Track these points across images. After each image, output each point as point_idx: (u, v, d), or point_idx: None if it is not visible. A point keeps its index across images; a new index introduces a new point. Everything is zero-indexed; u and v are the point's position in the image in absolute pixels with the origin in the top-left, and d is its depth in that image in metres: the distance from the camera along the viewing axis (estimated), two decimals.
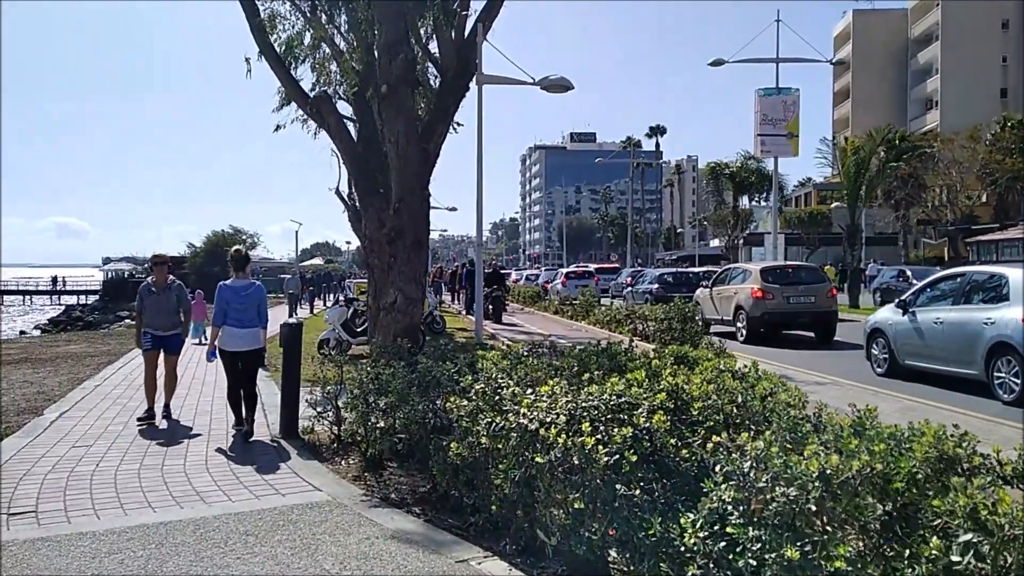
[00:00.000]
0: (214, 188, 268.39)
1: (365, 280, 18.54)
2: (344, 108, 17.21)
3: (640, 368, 5.53)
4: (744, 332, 17.46)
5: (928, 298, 11.74)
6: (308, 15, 15.99)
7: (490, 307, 26.17)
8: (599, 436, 3.85)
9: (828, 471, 3.04)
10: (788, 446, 3.51)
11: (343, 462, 6.81)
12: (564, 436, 3.93)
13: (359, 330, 15.70)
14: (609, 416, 4.10)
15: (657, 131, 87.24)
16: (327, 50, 17.23)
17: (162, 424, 8.67)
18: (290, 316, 26.08)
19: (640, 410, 4.12)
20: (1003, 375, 9.86)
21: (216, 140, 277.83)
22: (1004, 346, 9.78)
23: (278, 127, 23.39)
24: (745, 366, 5.62)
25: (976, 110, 62.42)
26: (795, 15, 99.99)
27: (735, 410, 4.45)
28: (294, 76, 15.51)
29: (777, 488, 3.15)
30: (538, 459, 3.95)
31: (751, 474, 3.27)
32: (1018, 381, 9.59)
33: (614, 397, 4.18)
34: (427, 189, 13.05)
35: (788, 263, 21.33)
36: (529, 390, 4.60)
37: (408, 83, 12.94)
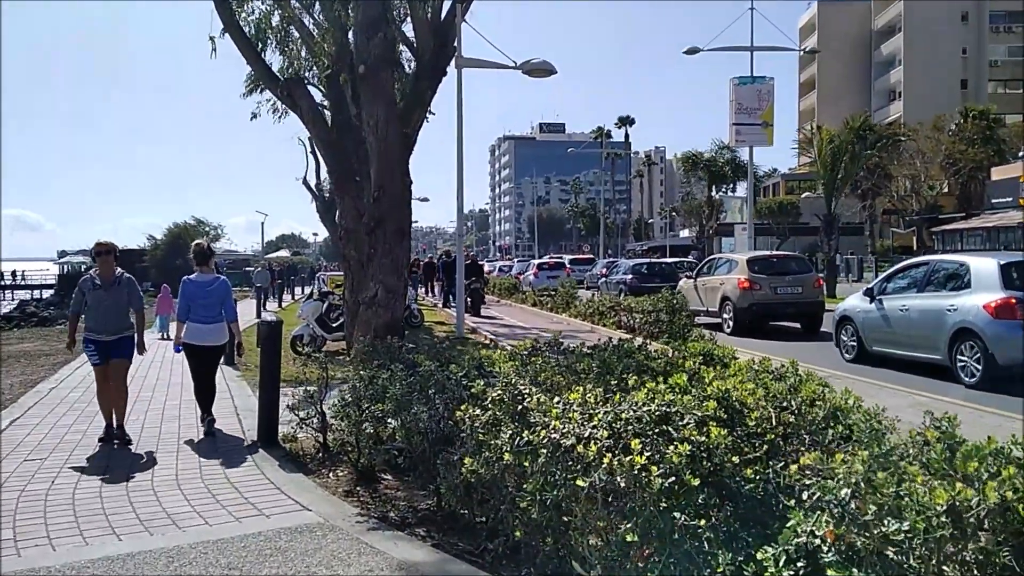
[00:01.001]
0: (175, 179, 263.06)
1: (339, 273, 17.81)
2: (315, 96, 16.54)
3: (664, 367, 4.99)
4: (731, 324, 17.05)
5: (894, 286, 12.11)
6: None
7: (468, 300, 25.57)
8: (650, 454, 3.29)
9: (958, 503, 2.49)
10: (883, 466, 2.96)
11: (331, 474, 6.17)
12: (608, 455, 3.35)
13: (334, 325, 15.02)
14: (656, 430, 3.54)
15: (626, 122, 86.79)
16: (296, 34, 16.48)
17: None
18: (258, 311, 25.23)
19: (687, 421, 3.57)
20: (965, 360, 10.29)
21: (178, 129, 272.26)
22: (966, 332, 10.23)
23: (254, 115, 22.56)
24: (782, 365, 5.10)
25: (938, 101, 63.12)
26: (761, 6, 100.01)
27: (792, 418, 3.91)
28: (262, 57, 14.72)
29: (889, 522, 2.59)
30: (579, 482, 3.37)
31: (851, 504, 2.72)
32: (979, 366, 10.02)
33: (662, 407, 3.60)
34: (408, 175, 12.40)
35: (775, 253, 21.00)
36: (556, 398, 4.02)
37: (387, 63, 12.25)
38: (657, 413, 3.60)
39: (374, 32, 12.12)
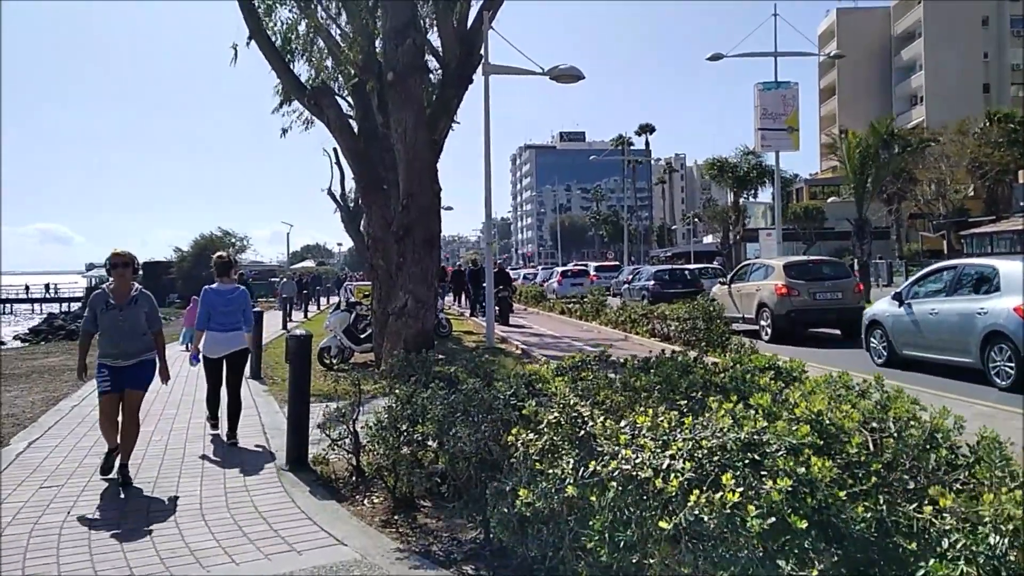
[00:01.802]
0: (203, 191, 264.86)
1: (367, 283, 17.47)
2: (341, 105, 16.24)
3: (731, 383, 4.54)
4: (769, 331, 16.50)
5: (923, 290, 12.20)
6: (302, 4, 14.95)
7: (496, 308, 25.20)
8: (743, 490, 2.85)
9: None
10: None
11: (366, 501, 5.76)
12: (695, 491, 2.91)
13: (363, 336, 14.65)
14: (745, 460, 3.09)
15: (646, 129, 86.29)
16: (323, 43, 16.21)
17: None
18: (284, 322, 24.99)
19: (776, 449, 3.13)
20: (998, 362, 10.26)
21: (204, 143, 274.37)
22: (997, 334, 10.24)
23: (284, 131, 22.29)
24: (864, 380, 4.63)
25: (960, 105, 62.11)
26: (781, 13, 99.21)
27: (892, 442, 3.45)
28: (289, 66, 14.44)
29: None
30: (662, 524, 2.92)
31: (1010, 556, 2.27)
32: (1012, 367, 10.00)
33: (752, 434, 3.15)
34: (437, 183, 12.03)
35: (812, 257, 20.37)
36: (623, 422, 3.58)
37: (416, 70, 11.90)
38: (745, 441, 3.15)
39: (403, 39, 11.79)
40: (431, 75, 17.37)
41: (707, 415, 3.63)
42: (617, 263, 48.81)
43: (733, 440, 3.13)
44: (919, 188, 52.78)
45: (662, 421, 3.46)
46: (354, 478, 6.27)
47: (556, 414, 3.83)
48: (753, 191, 58.65)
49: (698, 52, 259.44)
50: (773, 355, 5.41)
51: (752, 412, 3.50)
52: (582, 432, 3.64)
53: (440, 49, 14.82)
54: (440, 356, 14.73)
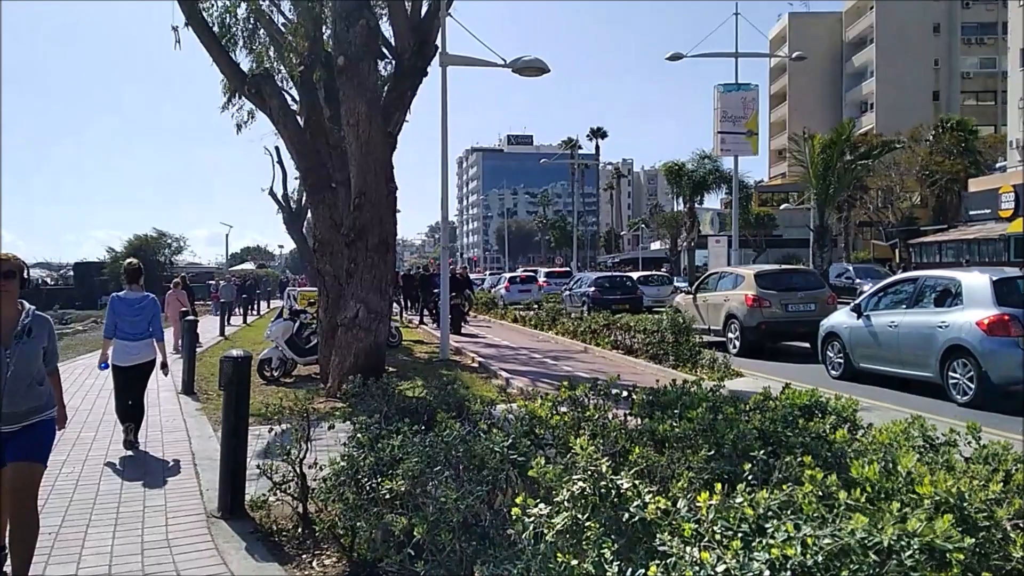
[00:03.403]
0: (139, 191, 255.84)
1: (312, 289, 16.27)
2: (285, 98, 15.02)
3: (788, 429, 3.62)
4: (737, 343, 15.79)
5: (882, 302, 11.99)
6: None
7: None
8: None
9: None
10: None
11: (315, 564, 4.69)
12: None
13: (307, 347, 13.47)
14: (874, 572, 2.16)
15: (598, 133, 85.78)
16: (264, 32, 14.98)
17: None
18: (222, 328, 23.53)
19: (914, 555, 2.20)
20: (958, 377, 10.12)
21: (141, 140, 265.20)
22: (958, 349, 10.09)
23: (239, 127, 20.84)
24: (933, 427, 3.77)
25: (910, 113, 63.04)
26: (729, 16, 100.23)
27: None
28: (227, 52, 13.20)
29: None
30: None
31: None
32: (972, 384, 9.87)
33: (873, 533, 2.22)
34: (393, 180, 10.98)
35: (784, 267, 19.78)
36: (680, 502, 2.62)
37: (370, 54, 10.82)
38: (871, 542, 2.21)
39: (354, 20, 10.72)
40: (382, 67, 16.33)
41: (787, 488, 2.70)
42: (567, 269, 48.07)
43: (859, 543, 2.19)
44: (868, 196, 53.33)
45: (741, 503, 2.51)
46: (300, 529, 5.20)
47: (581, 483, 2.84)
48: (700, 197, 58.68)
49: (646, 58, 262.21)
50: (813, 389, 4.52)
51: (849, 487, 2.58)
52: (624, 515, 2.66)
53: (393, 39, 13.77)
54: (391, 369, 13.73)
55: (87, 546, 5.11)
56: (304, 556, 4.83)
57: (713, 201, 65.19)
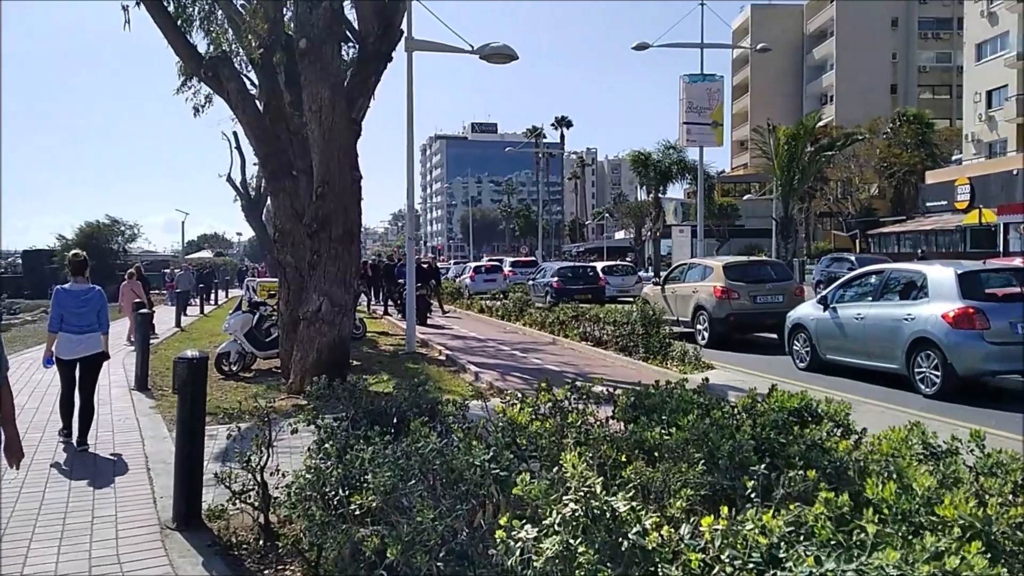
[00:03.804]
0: (91, 176, 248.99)
1: (272, 280, 15.82)
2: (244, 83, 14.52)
3: (778, 436, 3.40)
4: (706, 335, 15.70)
5: (848, 294, 12.05)
6: None
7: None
8: None
9: None
10: None
11: None
12: None
13: (267, 340, 13.06)
14: None
15: (563, 123, 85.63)
16: (223, 14, 14.46)
17: None
18: (178, 318, 22.89)
19: None
20: (924, 369, 10.18)
21: (92, 121, 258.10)
22: (924, 341, 10.16)
23: (197, 110, 20.16)
24: (935, 434, 3.59)
25: (868, 105, 64.02)
26: (692, 8, 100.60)
27: None
28: (182, 31, 12.68)
29: None
30: None
31: None
32: (938, 375, 9.94)
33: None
34: (358, 168, 10.61)
35: (753, 258, 19.77)
36: (684, 528, 2.38)
37: (333, 36, 10.43)
38: None
39: (318, 1, 10.31)
40: (345, 52, 15.88)
41: (795, 509, 2.48)
42: (533, 259, 47.86)
43: None
44: (828, 187, 53.94)
45: (751, 529, 2.28)
46: (261, 541, 4.89)
47: (573, 504, 2.59)
48: (664, 187, 58.91)
49: (612, 48, 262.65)
50: (803, 392, 4.31)
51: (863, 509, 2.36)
52: (621, 541, 2.41)
53: (356, 22, 13.35)
54: (355, 363, 13.39)
55: (30, 563, 4.75)
56: (266, 572, 4.53)
57: (677, 191, 65.55)
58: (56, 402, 8.44)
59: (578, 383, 4.77)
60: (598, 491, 2.53)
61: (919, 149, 53.39)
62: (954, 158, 51.80)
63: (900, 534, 2.34)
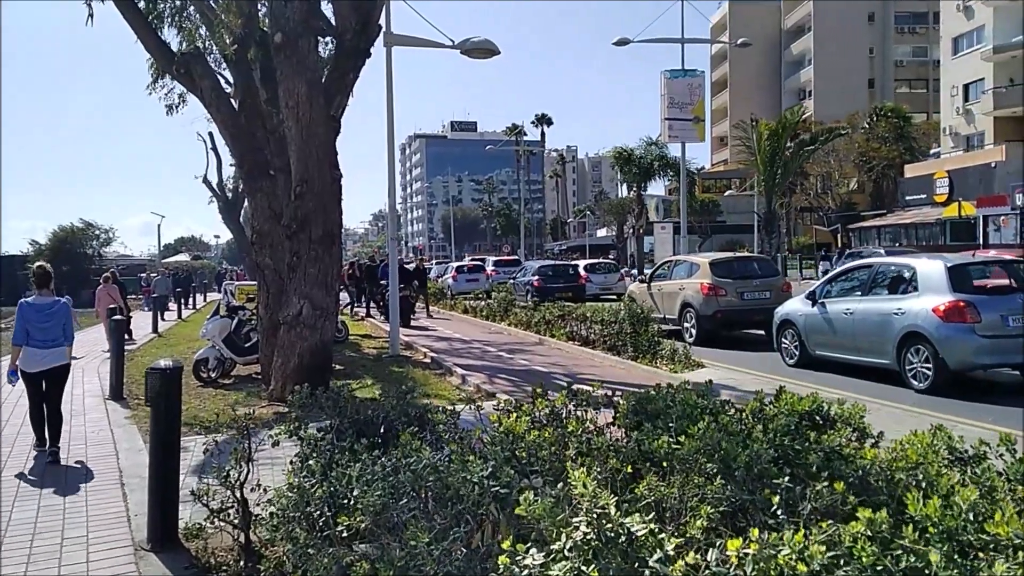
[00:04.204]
0: (64, 178, 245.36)
1: (251, 283, 15.44)
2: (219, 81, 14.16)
3: (814, 452, 3.17)
4: (694, 332, 15.53)
5: (837, 289, 11.93)
6: None
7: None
8: None
9: None
10: None
11: None
12: None
13: (247, 346, 12.72)
14: None
15: (543, 120, 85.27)
16: (195, 10, 14.10)
17: None
18: (155, 324, 22.44)
19: None
20: (915, 364, 10.04)
21: (64, 123, 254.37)
22: (915, 335, 10.03)
23: (170, 108, 19.78)
24: (961, 438, 3.38)
25: (846, 100, 64.40)
26: (672, 5, 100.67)
27: None
28: (152, 27, 12.31)
29: None
30: None
31: None
32: (930, 370, 9.79)
33: None
34: (337, 167, 10.31)
35: (739, 255, 19.64)
36: (713, 555, 2.14)
37: (309, 30, 10.11)
38: None
39: None
40: (322, 49, 15.56)
41: (828, 527, 2.25)
42: (516, 257, 47.57)
43: None
44: (808, 182, 54.10)
45: (788, 555, 2.04)
46: (243, 563, 4.61)
47: (585, 528, 2.34)
48: (645, 184, 58.90)
49: (590, 45, 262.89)
50: (814, 395, 4.08)
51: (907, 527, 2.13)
52: (640, 568, 2.17)
53: (333, 18, 13.04)
54: (338, 367, 13.08)
55: None
56: None
57: (657, 188, 65.51)
58: (25, 416, 8.16)
59: (576, 387, 4.53)
60: (612, 513, 2.28)
61: (897, 143, 53.69)
62: (932, 152, 52.08)
63: (946, 555, 2.11)
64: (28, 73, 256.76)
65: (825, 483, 2.65)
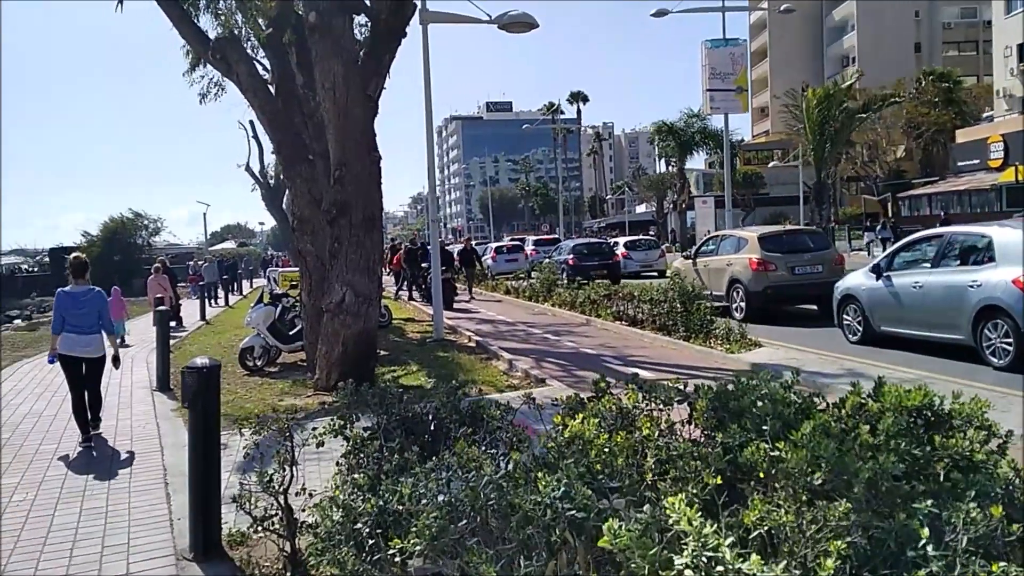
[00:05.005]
0: (115, 173, 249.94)
1: (294, 269, 15.26)
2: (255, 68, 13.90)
3: (961, 457, 2.73)
4: (743, 309, 14.98)
5: (904, 261, 11.32)
6: None
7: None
8: None
9: None
10: None
11: None
12: None
13: (291, 333, 12.55)
14: None
15: (578, 98, 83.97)
16: None
17: None
18: (203, 311, 22.52)
19: None
20: (993, 340, 9.42)
21: (114, 120, 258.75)
22: (993, 309, 9.41)
23: (203, 97, 19.68)
24: None
25: (892, 65, 62.17)
26: None
27: None
28: (187, 12, 12.07)
29: None
30: None
31: None
32: (1010, 345, 9.16)
33: None
34: (376, 149, 9.97)
35: (789, 227, 18.93)
36: None
37: (345, 8, 9.76)
38: None
39: None
40: (357, 32, 15.21)
41: (999, 570, 1.83)
42: (556, 236, 47.05)
43: None
44: (854, 151, 52.53)
45: None
46: (288, 572, 4.32)
47: (690, 573, 1.95)
48: (685, 158, 57.78)
49: (622, 19, 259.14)
50: (924, 387, 3.60)
51: None
52: None
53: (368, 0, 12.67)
54: (383, 353, 12.84)
55: None
56: None
57: (697, 162, 64.32)
58: (68, 406, 8.10)
59: (642, 379, 4.12)
60: (727, 554, 1.89)
61: (947, 108, 51.81)
62: (985, 115, 50.13)
63: None
64: (76, 73, 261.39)
65: (972, 503, 2.22)
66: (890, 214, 46.95)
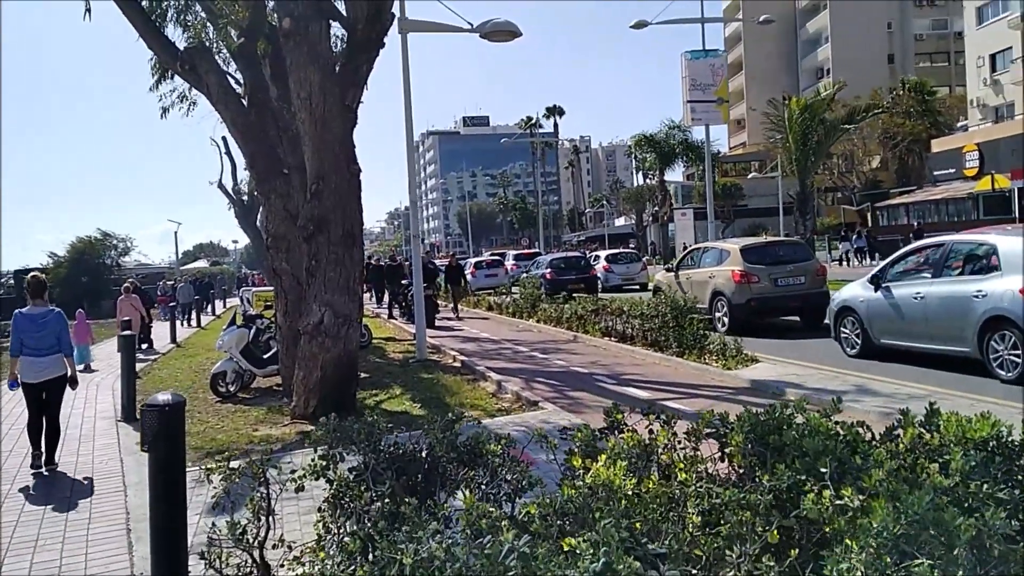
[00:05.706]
0: (88, 191, 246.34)
1: (269, 288, 14.68)
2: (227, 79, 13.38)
3: None
4: (726, 321, 14.66)
5: (903, 271, 11.03)
6: None
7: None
8: None
9: None
10: None
11: None
12: None
13: (266, 357, 11.97)
14: None
15: (555, 111, 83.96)
16: (200, 8, 13.33)
17: None
18: (173, 334, 21.77)
19: None
20: (1000, 351, 9.12)
21: (84, 139, 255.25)
22: (999, 320, 9.11)
23: (164, 111, 19.01)
24: None
25: (866, 76, 62.48)
26: None
27: None
28: (153, 22, 11.54)
29: None
30: None
31: None
32: (1019, 357, 8.86)
33: None
34: (355, 161, 9.47)
35: (770, 239, 18.72)
36: None
37: (321, 13, 9.28)
38: None
39: None
40: (333, 42, 14.75)
41: None
42: (536, 250, 46.66)
43: None
44: (831, 161, 52.73)
45: None
46: None
47: None
48: (663, 171, 57.70)
49: (597, 35, 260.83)
50: (988, 415, 3.18)
51: None
52: None
53: (344, 8, 12.22)
54: (364, 375, 12.28)
55: None
56: None
57: (675, 175, 64.25)
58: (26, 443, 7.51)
59: (661, 409, 3.66)
60: None
61: (922, 118, 52.21)
62: (959, 124, 50.56)
63: None
64: (45, 87, 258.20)
65: None
66: (868, 224, 47.07)
